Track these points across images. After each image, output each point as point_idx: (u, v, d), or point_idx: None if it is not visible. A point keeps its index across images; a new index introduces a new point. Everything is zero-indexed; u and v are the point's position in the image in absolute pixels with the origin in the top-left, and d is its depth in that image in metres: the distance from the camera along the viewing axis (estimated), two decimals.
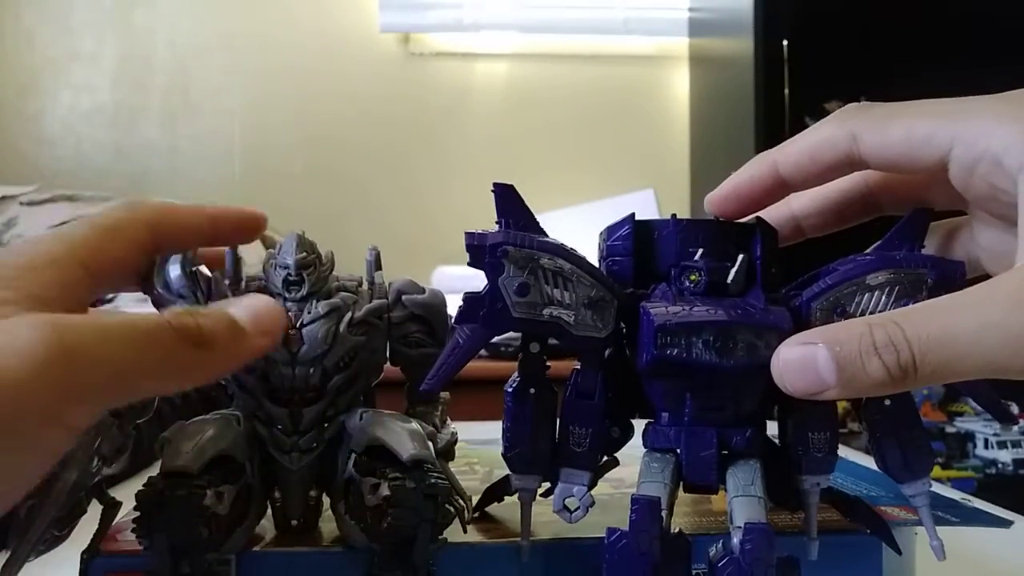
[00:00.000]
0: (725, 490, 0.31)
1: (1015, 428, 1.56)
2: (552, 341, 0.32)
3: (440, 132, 2.16)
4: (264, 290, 0.34)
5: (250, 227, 0.37)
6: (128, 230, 0.32)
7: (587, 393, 0.32)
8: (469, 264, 0.31)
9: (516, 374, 0.33)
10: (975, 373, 0.27)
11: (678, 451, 0.31)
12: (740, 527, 0.28)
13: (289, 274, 0.34)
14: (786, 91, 1.62)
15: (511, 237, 0.31)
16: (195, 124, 2.10)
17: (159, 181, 2.03)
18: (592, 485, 0.33)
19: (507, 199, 0.32)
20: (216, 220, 0.35)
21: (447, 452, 0.38)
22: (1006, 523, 0.41)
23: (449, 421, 0.41)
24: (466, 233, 0.31)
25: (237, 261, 0.35)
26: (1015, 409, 1.53)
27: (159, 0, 2.11)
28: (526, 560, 0.33)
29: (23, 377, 0.22)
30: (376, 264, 0.37)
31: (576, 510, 0.32)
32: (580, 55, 2.21)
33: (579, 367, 0.32)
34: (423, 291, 0.37)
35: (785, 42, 1.62)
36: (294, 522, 0.36)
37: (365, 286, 0.36)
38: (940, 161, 0.31)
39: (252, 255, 0.38)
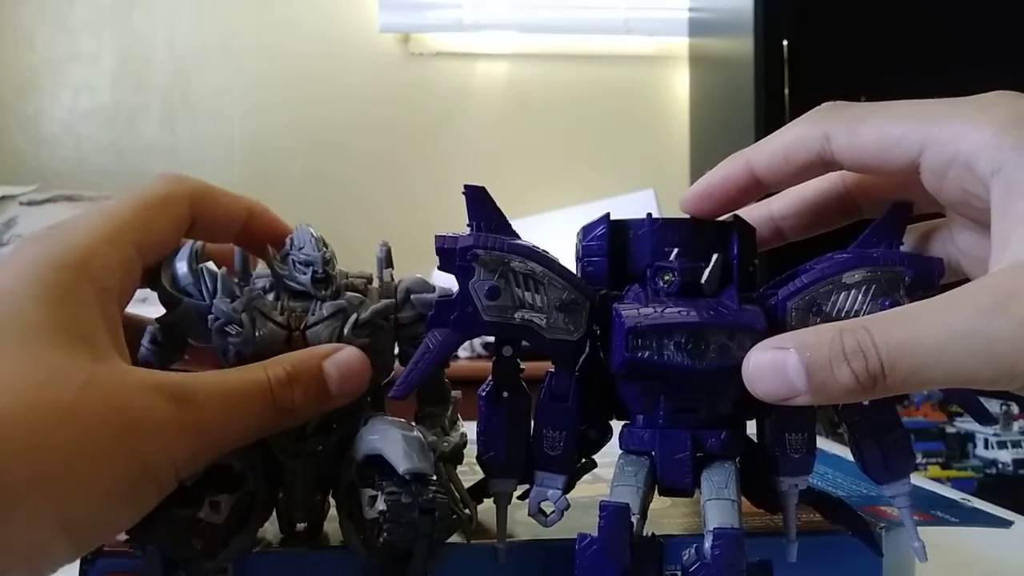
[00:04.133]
0: (700, 492, 0.30)
1: (1015, 428, 1.55)
2: (526, 344, 0.32)
3: (440, 132, 2.16)
4: (273, 287, 0.34)
5: (278, 237, 0.36)
6: (171, 207, 0.32)
7: (561, 396, 0.32)
8: (439, 268, 0.30)
9: (489, 377, 0.32)
10: (945, 382, 0.26)
11: (653, 453, 0.31)
12: (712, 531, 0.28)
13: (316, 271, 0.33)
14: (786, 91, 1.62)
15: (481, 240, 0.30)
16: (195, 124, 2.11)
17: None
18: (569, 488, 0.33)
19: (478, 201, 0.32)
20: (253, 215, 0.35)
21: (455, 455, 0.37)
22: (1006, 523, 0.41)
23: (460, 422, 0.40)
24: (436, 236, 0.31)
25: (245, 259, 0.35)
26: (1015, 409, 1.53)
27: (159, 1, 2.11)
28: (503, 562, 0.33)
29: (157, 436, 0.26)
30: (387, 261, 0.36)
31: (551, 514, 0.32)
32: (580, 55, 2.21)
33: (553, 370, 0.32)
34: (433, 289, 0.36)
35: (785, 42, 1.62)
36: (300, 525, 0.35)
37: (375, 283, 0.36)
38: (911, 163, 0.31)
39: None
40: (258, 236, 0.35)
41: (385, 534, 0.30)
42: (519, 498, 0.33)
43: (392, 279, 0.36)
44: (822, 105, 0.33)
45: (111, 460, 0.25)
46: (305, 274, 0.33)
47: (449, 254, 0.30)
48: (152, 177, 0.34)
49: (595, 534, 0.28)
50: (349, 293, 0.34)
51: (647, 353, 0.29)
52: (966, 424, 1.55)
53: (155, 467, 0.26)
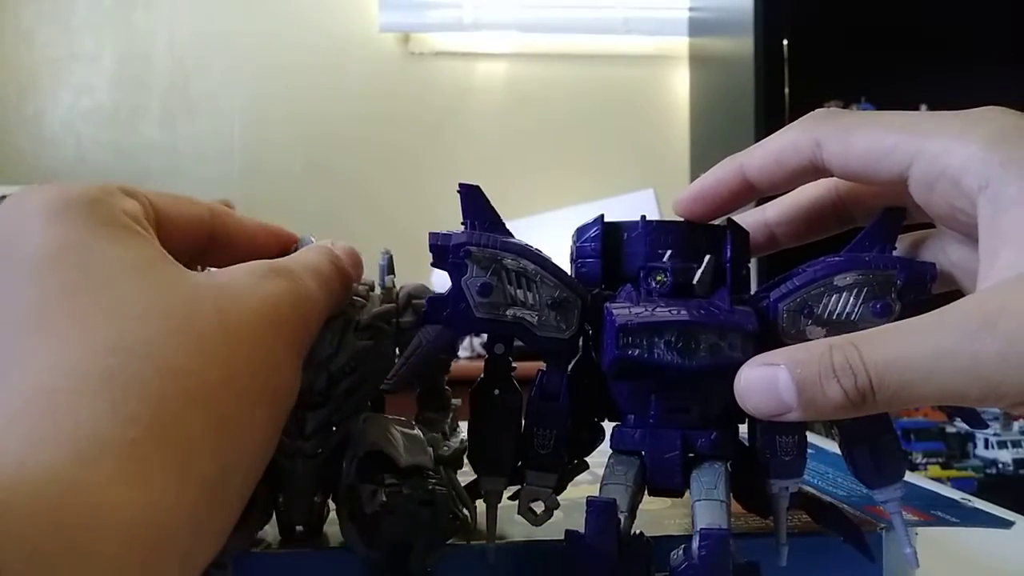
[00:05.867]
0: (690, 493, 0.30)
1: (1015, 428, 1.55)
2: (518, 343, 0.32)
3: (440, 132, 2.16)
4: None
5: (247, 239, 0.34)
6: (195, 204, 0.32)
7: (552, 395, 0.31)
8: (432, 264, 0.31)
9: (481, 375, 0.32)
10: (933, 399, 0.26)
11: (643, 453, 0.31)
12: (699, 532, 0.28)
13: None
14: (786, 91, 1.62)
15: (474, 237, 0.30)
16: (195, 123, 2.11)
17: (159, 181, 2.04)
18: (560, 488, 0.33)
19: (473, 200, 0.32)
20: (215, 212, 0.33)
21: (455, 459, 0.37)
22: (1006, 523, 0.41)
23: (460, 427, 0.40)
24: (430, 233, 0.31)
25: None
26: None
27: (159, 0, 2.11)
28: (492, 562, 0.33)
29: (284, 315, 0.27)
30: (389, 268, 0.36)
31: (541, 513, 0.32)
32: (580, 55, 2.21)
33: (544, 368, 0.32)
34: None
35: (785, 42, 1.62)
36: (299, 528, 0.35)
37: (377, 290, 0.36)
38: (900, 175, 0.31)
39: None
40: (225, 241, 0.34)
41: (386, 525, 0.30)
42: (510, 498, 0.33)
43: (394, 285, 0.36)
44: (815, 111, 0.33)
45: (260, 348, 0.25)
46: None
47: (442, 251, 0.30)
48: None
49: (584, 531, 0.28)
50: (351, 296, 0.34)
51: (637, 351, 0.29)
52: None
53: (298, 342, 0.27)
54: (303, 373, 0.32)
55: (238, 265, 0.28)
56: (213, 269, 0.29)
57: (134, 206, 0.28)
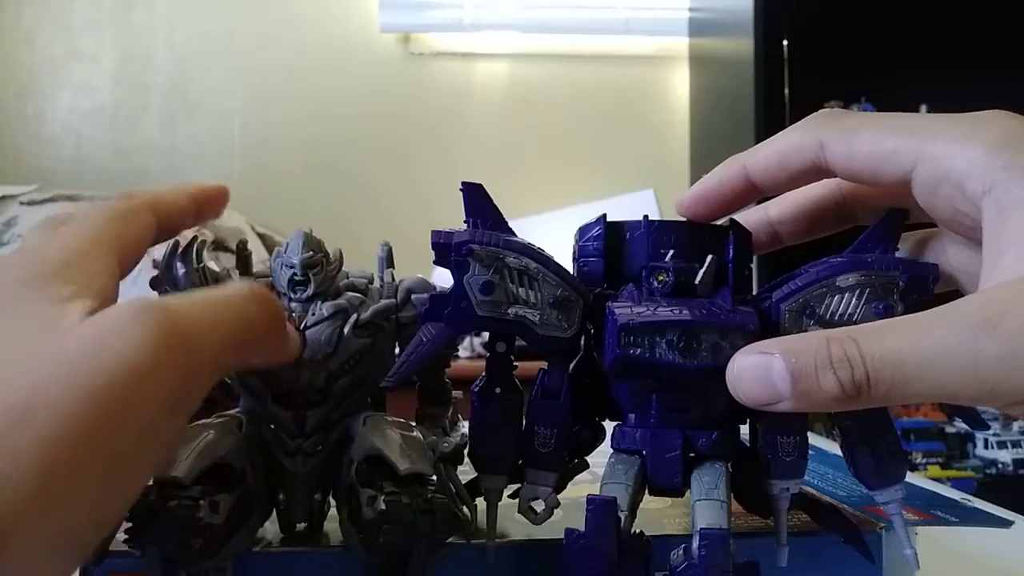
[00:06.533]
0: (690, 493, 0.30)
1: (1015, 428, 1.55)
2: (520, 342, 0.32)
3: (440, 132, 2.16)
4: (272, 288, 0.34)
5: (221, 200, 0.35)
6: (139, 215, 0.31)
7: (553, 393, 0.32)
8: (435, 262, 0.31)
9: (483, 374, 0.32)
10: (928, 396, 0.27)
11: (644, 452, 0.31)
12: (699, 531, 0.28)
13: (295, 274, 0.33)
14: (786, 91, 1.62)
15: (477, 236, 0.31)
16: (195, 124, 2.11)
17: (159, 181, 2.04)
18: (560, 487, 0.33)
19: (475, 198, 0.32)
20: (195, 198, 0.34)
21: (456, 456, 0.36)
22: (1006, 523, 0.41)
23: (460, 422, 0.40)
24: (432, 231, 0.31)
25: (247, 259, 0.35)
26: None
27: (159, 0, 2.11)
28: (492, 560, 0.33)
29: (146, 368, 0.22)
30: (388, 261, 0.36)
31: (541, 512, 0.32)
32: (580, 55, 2.21)
33: (546, 367, 0.32)
34: (434, 290, 0.35)
35: (785, 42, 1.62)
36: (300, 525, 0.35)
37: (376, 283, 0.36)
38: (903, 178, 0.31)
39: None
40: (207, 211, 0.35)
41: (384, 534, 0.30)
42: (510, 497, 0.33)
43: (393, 279, 0.36)
44: (819, 112, 0.33)
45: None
46: (284, 275, 0.33)
47: (445, 249, 0.31)
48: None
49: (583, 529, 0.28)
50: (350, 293, 0.34)
51: (639, 351, 0.29)
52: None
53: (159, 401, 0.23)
54: (302, 372, 0.32)
55: (114, 306, 0.25)
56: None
57: (95, 276, 0.26)
